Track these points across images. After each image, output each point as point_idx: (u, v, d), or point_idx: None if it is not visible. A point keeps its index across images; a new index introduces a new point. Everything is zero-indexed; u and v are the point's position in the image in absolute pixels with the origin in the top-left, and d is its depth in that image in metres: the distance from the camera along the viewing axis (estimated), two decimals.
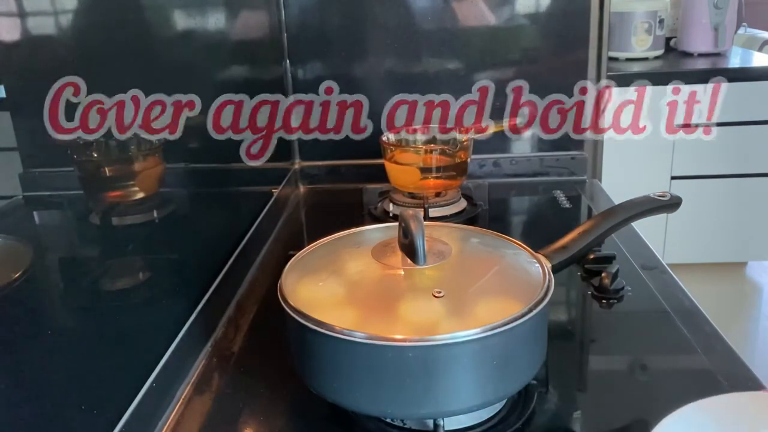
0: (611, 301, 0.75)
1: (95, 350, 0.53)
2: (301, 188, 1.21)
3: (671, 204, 0.70)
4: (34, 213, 0.48)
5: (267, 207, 0.99)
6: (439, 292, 0.52)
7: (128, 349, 0.57)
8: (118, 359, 0.56)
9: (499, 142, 1.16)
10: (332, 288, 0.56)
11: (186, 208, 0.75)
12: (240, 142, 0.92)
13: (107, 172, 0.60)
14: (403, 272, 0.56)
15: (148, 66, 0.66)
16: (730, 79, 2.26)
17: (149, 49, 0.66)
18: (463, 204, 1.03)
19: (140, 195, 0.64)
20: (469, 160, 1.03)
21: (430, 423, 0.53)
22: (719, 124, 2.29)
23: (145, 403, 0.55)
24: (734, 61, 2.43)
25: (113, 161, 0.60)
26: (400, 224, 0.58)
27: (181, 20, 0.75)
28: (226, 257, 0.80)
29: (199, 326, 0.68)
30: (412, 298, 0.55)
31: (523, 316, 0.50)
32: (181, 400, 0.61)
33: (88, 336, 0.53)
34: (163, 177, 0.68)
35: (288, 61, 1.16)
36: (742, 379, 0.60)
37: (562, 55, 1.14)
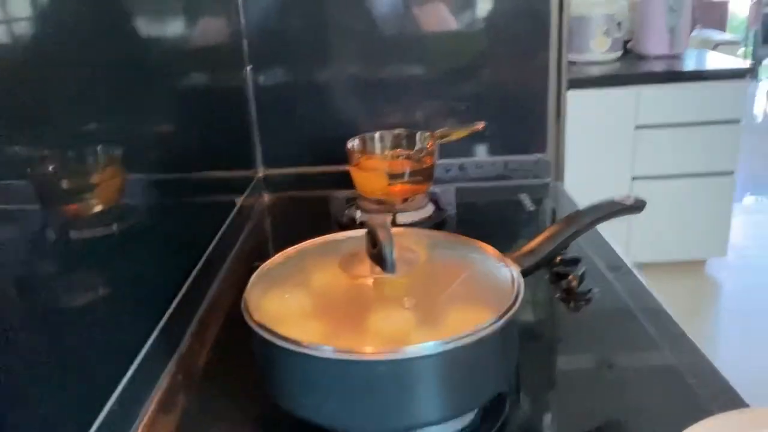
0: (579, 303, 0.76)
1: (51, 372, 0.51)
2: (266, 197, 1.19)
3: (635, 207, 0.71)
4: None
5: (230, 217, 0.97)
6: (409, 302, 0.52)
7: (87, 370, 0.55)
8: (77, 381, 0.53)
9: (464, 146, 1.16)
10: (299, 300, 0.55)
11: (146, 220, 0.73)
12: (202, 150, 0.91)
13: (64, 184, 0.58)
14: (371, 282, 0.55)
15: (104, 73, 0.64)
16: (687, 81, 2.32)
17: (105, 56, 0.64)
18: (430, 209, 1.02)
19: (99, 207, 0.62)
20: (435, 164, 1.03)
21: None
22: (677, 125, 2.35)
23: (106, 425, 0.53)
24: (690, 63, 2.49)
25: (70, 173, 0.58)
26: (367, 233, 0.57)
27: (138, 27, 0.73)
28: (189, 270, 0.78)
29: (162, 343, 0.66)
30: (382, 308, 0.54)
31: (493, 324, 0.50)
32: (145, 420, 0.60)
33: (43, 356, 0.51)
34: (122, 188, 0.66)
35: (249, 67, 1.14)
36: (706, 374, 0.61)
37: (523, 58, 1.15)
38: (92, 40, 0.62)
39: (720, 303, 2.52)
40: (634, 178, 2.39)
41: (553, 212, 1.08)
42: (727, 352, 2.12)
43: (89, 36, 0.61)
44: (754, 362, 2.04)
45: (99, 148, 0.62)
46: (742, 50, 5.53)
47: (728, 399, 0.58)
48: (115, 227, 0.65)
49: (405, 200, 1.01)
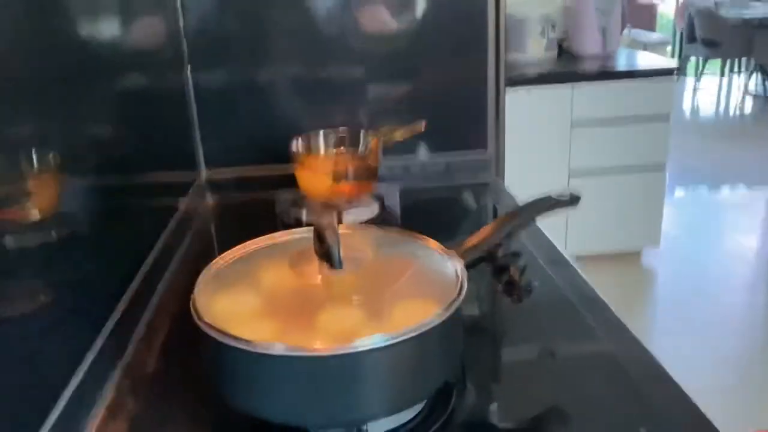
0: (521, 295, 0.78)
1: None
2: (210, 199, 1.17)
3: (570, 201, 0.74)
4: None
5: (172, 220, 0.95)
6: (357, 298, 0.53)
7: (30, 379, 0.54)
8: (19, 390, 0.52)
9: (407, 145, 1.17)
10: (248, 300, 0.55)
11: (86, 226, 0.72)
12: (141, 153, 0.89)
13: None
14: (320, 280, 0.56)
15: (39, 75, 0.62)
16: (619, 79, 2.41)
17: (40, 57, 0.63)
18: (376, 209, 1.03)
19: (36, 214, 0.60)
20: (379, 164, 1.04)
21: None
22: (611, 122, 2.43)
23: None
24: (622, 62, 2.58)
25: (4, 179, 0.56)
26: (314, 232, 0.57)
27: (75, 27, 0.71)
28: (132, 275, 0.77)
29: (109, 349, 0.65)
30: (331, 306, 0.55)
31: (439, 317, 0.51)
32: (94, 428, 0.58)
33: None
34: (60, 194, 0.65)
35: (189, 67, 1.13)
36: (641, 362, 0.64)
37: (462, 58, 1.17)
38: (26, 40, 0.60)
39: (655, 291, 2.63)
40: (571, 174, 2.47)
41: (495, 209, 1.11)
42: (662, 338, 2.21)
43: (23, 36, 0.59)
44: (688, 347, 2.14)
45: (34, 152, 0.60)
46: (669, 49, 5.76)
47: (662, 383, 0.61)
48: (53, 234, 0.63)
49: (350, 200, 1.02)
